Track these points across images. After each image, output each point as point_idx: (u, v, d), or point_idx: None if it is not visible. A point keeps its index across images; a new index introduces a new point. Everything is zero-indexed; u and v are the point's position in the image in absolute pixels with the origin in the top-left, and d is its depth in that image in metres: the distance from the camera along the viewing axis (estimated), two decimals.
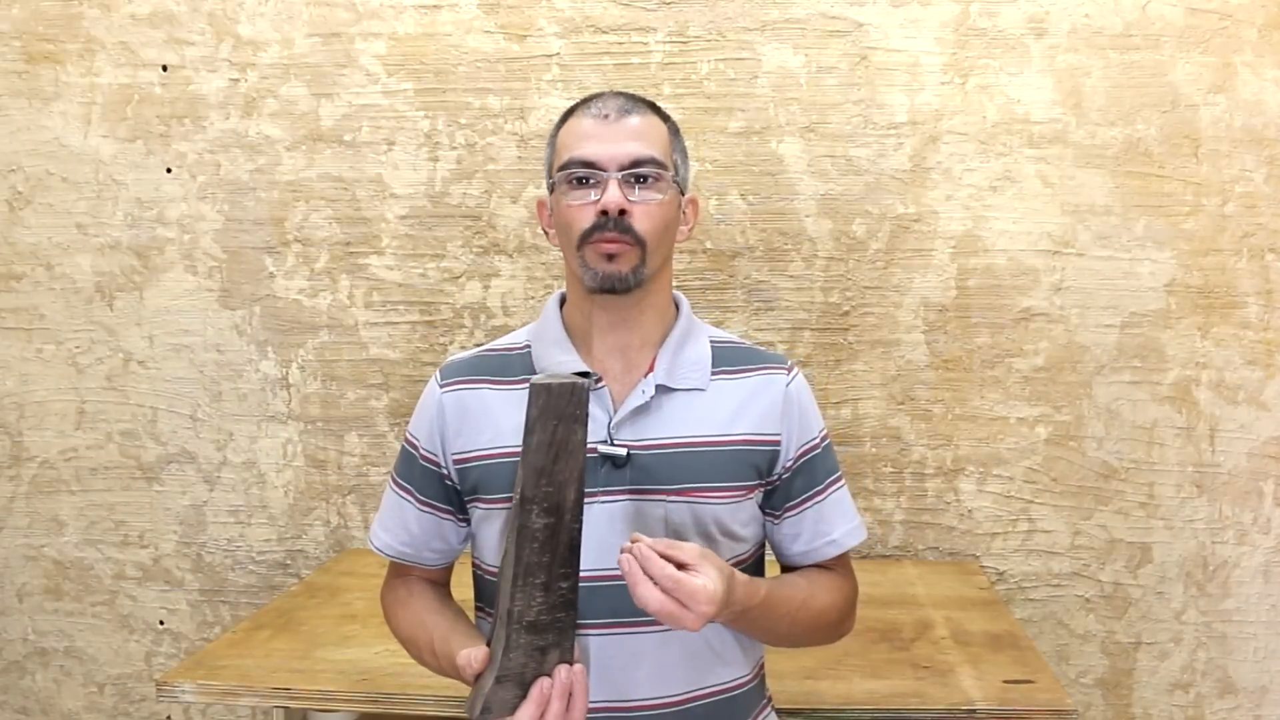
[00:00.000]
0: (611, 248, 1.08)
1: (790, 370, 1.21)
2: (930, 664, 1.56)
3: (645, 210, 1.10)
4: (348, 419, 2.15)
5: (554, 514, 0.96)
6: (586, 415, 0.96)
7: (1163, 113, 1.98)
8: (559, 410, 0.95)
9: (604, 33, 2.03)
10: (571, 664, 0.98)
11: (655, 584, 0.94)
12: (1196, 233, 1.99)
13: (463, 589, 1.25)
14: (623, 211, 1.08)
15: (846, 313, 2.06)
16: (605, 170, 1.09)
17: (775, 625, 1.12)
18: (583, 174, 1.10)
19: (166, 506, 2.22)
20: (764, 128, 2.03)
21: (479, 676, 0.99)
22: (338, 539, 2.18)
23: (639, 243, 1.09)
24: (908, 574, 1.98)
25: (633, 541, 0.96)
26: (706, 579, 0.95)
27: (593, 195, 1.10)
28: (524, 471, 0.96)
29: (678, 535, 1.11)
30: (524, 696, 0.97)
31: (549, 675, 0.97)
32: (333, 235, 2.12)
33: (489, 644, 1.00)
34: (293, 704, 1.52)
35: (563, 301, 1.22)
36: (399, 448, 1.25)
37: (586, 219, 1.09)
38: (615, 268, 1.09)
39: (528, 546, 0.96)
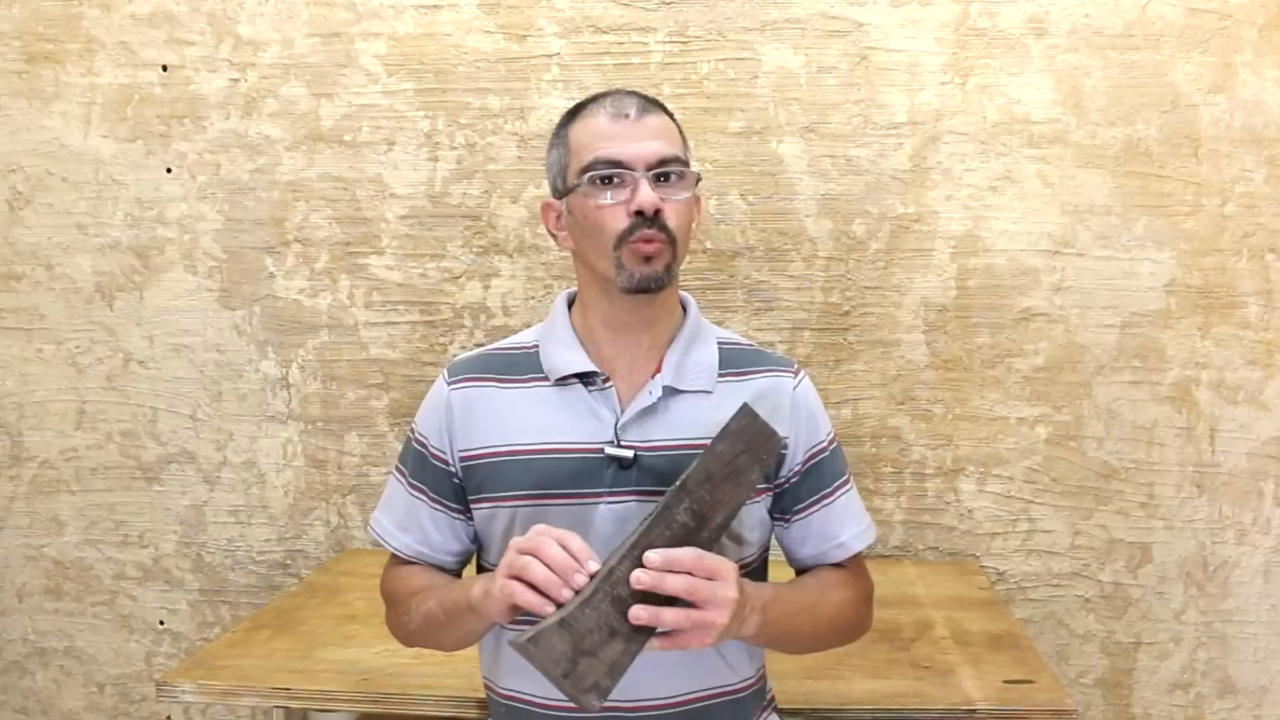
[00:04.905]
0: (650, 248, 1.08)
1: (797, 373, 1.20)
2: (930, 664, 1.56)
3: (675, 208, 1.10)
4: (348, 419, 2.15)
5: (697, 520, 0.99)
6: (768, 466, 1.00)
7: (1163, 113, 1.98)
8: (752, 442, 1.00)
9: (604, 33, 2.03)
10: (628, 665, 0.96)
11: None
12: (1196, 233, 1.99)
13: None
14: (657, 211, 1.08)
15: (846, 313, 2.06)
16: (634, 170, 1.08)
17: (797, 626, 1.12)
18: (610, 174, 1.09)
19: (166, 506, 2.21)
20: (764, 128, 2.02)
21: (535, 620, 0.96)
22: (338, 539, 2.18)
23: (672, 241, 1.09)
24: (908, 574, 1.98)
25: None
26: (719, 562, 0.98)
27: (620, 196, 1.08)
28: (698, 466, 0.99)
29: None
30: (570, 655, 0.94)
31: (601, 660, 0.95)
32: (333, 235, 2.12)
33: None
34: (293, 704, 1.52)
35: (570, 301, 1.21)
36: (400, 447, 1.24)
37: (620, 220, 1.08)
38: (652, 268, 1.09)
39: (660, 528, 0.97)
